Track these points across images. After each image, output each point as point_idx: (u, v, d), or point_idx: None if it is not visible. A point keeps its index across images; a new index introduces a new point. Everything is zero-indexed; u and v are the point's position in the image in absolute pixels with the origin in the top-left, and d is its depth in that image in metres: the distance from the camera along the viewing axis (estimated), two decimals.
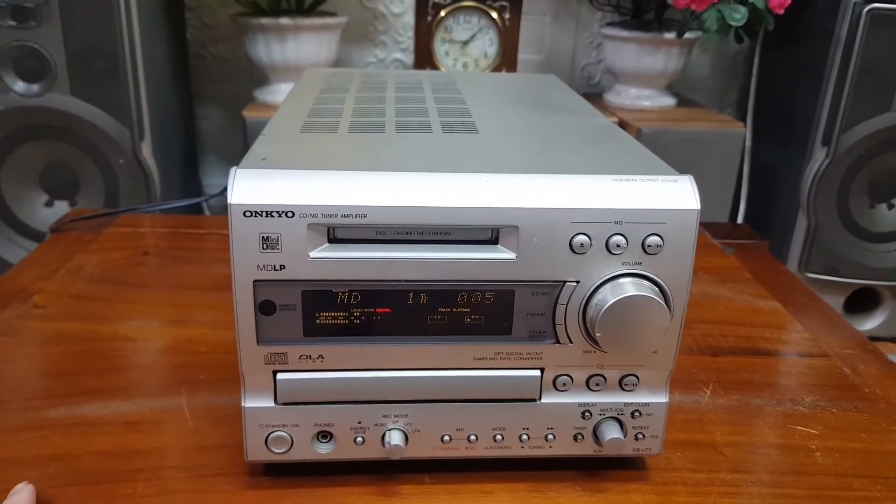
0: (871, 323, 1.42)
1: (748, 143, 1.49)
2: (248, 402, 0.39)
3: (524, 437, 0.41)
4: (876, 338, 1.41)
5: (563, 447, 0.41)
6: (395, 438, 0.40)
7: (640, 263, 0.37)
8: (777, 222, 1.41)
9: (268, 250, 0.35)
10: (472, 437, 0.41)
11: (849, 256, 1.33)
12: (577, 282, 0.37)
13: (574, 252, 0.36)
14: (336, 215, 0.35)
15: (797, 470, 0.44)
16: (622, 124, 1.30)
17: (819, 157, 1.29)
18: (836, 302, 1.38)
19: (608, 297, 0.37)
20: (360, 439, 0.40)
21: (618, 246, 0.36)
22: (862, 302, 1.41)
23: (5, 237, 1.20)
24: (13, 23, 1.06)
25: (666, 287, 0.37)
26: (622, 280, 0.37)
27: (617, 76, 1.41)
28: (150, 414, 0.48)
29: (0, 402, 0.49)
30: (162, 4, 1.26)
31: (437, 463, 0.42)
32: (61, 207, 1.19)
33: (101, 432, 0.46)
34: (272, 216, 0.35)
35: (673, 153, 1.27)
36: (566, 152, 0.43)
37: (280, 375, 0.38)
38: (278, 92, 1.30)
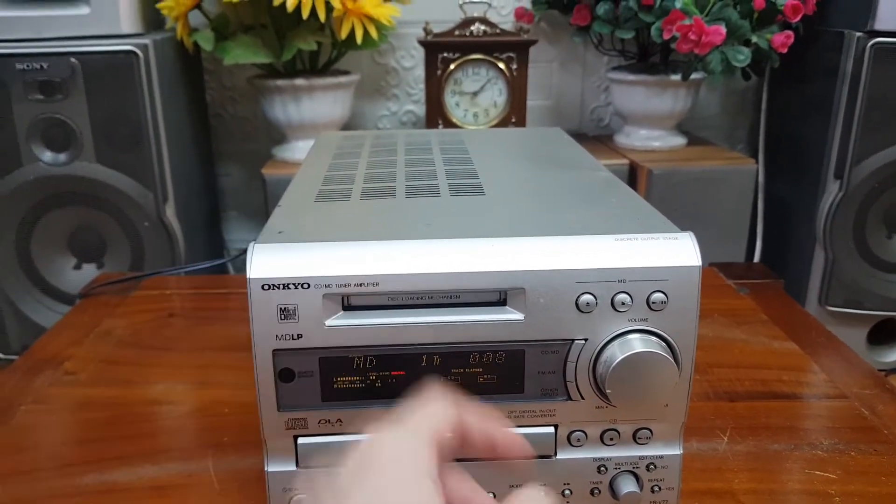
0: (895, 355, 1.40)
1: (761, 179, 1.49)
2: (271, 467, 0.40)
3: None
4: None
5: (580, 502, 0.42)
6: None
7: (646, 320, 0.38)
8: (794, 257, 1.41)
9: (286, 321, 0.37)
10: (491, 495, 0.41)
11: (869, 288, 1.32)
12: (586, 339, 0.38)
13: (581, 311, 0.38)
14: (349, 284, 0.37)
15: None
16: (633, 166, 1.32)
17: (832, 191, 1.30)
18: (859, 335, 1.36)
19: (616, 353, 0.37)
20: None
21: (623, 304, 0.37)
22: (885, 334, 1.39)
23: (36, 300, 1.23)
24: (41, 96, 1.11)
25: (673, 341, 0.38)
26: (629, 336, 0.38)
27: (626, 118, 1.43)
28: (178, 478, 0.49)
29: (34, 471, 0.50)
30: (182, 71, 1.31)
31: None
32: (89, 270, 1.23)
33: (132, 498, 0.47)
34: (289, 288, 0.36)
35: (685, 193, 1.28)
36: (570, 212, 0.44)
37: (301, 440, 0.40)
38: (296, 149, 1.33)
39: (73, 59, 1.10)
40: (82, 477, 0.49)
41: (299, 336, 0.37)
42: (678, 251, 0.38)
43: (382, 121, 1.59)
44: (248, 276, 0.36)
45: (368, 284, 0.37)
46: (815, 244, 1.34)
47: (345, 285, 0.37)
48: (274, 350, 0.37)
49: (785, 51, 1.23)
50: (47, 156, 1.15)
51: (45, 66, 1.09)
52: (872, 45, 1.21)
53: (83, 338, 0.70)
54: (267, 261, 0.37)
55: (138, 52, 1.11)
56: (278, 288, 0.36)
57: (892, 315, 1.35)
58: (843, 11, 1.29)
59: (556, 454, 0.41)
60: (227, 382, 0.62)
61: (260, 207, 1.42)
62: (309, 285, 0.36)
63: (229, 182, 1.62)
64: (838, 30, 1.28)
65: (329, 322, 0.37)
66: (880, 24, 1.21)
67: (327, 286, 0.36)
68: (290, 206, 0.46)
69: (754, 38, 1.23)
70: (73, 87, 1.11)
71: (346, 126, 1.41)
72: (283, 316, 0.37)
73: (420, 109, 1.57)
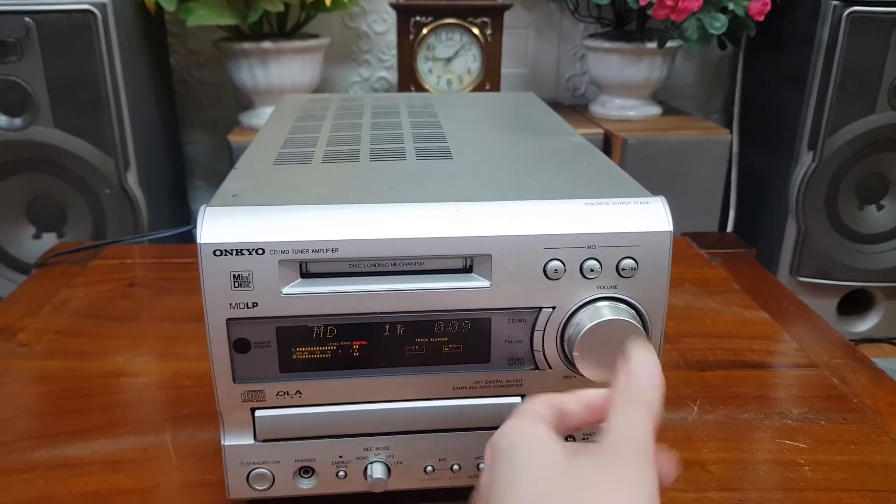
0: (865, 325, 1.41)
1: (735, 149, 1.49)
2: (228, 440, 0.39)
3: None
4: (870, 339, 1.40)
5: None
6: (378, 471, 0.39)
7: (615, 287, 0.37)
8: (767, 228, 1.41)
9: (240, 288, 0.35)
10: (455, 467, 0.40)
11: (840, 259, 1.33)
12: (553, 307, 0.37)
13: (548, 278, 0.36)
14: (307, 250, 0.35)
15: (785, 486, 0.44)
16: (608, 135, 1.31)
17: (806, 162, 1.30)
18: (830, 305, 1.38)
19: (584, 321, 0.36)
20: (342, 473, 0.40)
21: (592, 270, 0.36)
22: (855, 304, 1.41)
23: None
24: None
25: (642, 309, 0.37)
26: (598, 304, 0.37)
27: (601, 87, 1.42)
28: (134, 453, 0.47)
29: None
30: (143, 32, 1.26)
31: (420, 494, 0.41)
32: (49, 239, 1.19)
33: (85, 473, 0.45)
34: (242, 254, 0.34)
35: (659, 163, 1.27)
36: (539, 176, 0.43)
37: (258, 413, 0.38)
38: (263, 116, 1.30)
39: (27, 19, 1.05)
40: (34, 452, 0.47)
41: (254, 304, 0.35)
42: (649, 216, 0.36)
43: (354, 87, 1.56)
44: (198, 242, 0.34)
45: (327, 250, 0.35)
46: (787, 215, 1.34)
47: (302, 251, 0.35)
48: (228, 319, 0.35)
49: (762, 18, 1.22)
50: (2, 120, 1.10)
51: None
52: (848, 13, 1.20)
53: (38, 308, 0.67)
54: (219, 225, 0.35)
55: (96, 11, 1.06)
56: (231, 254, 0.34)
57: (862, 285, 1.36)
58: None
59: None
60: (188, 354, 0.60)
61: None
62: (264, 251, 0.34)
63: (196, 150, 1.57)
64: None
65: (286, 290, 0.35)
66: None
67: (284, 252, 0.35)
68: (247, 169, 0.44)
69: (731, 5, 1.21)
70: (27, 47, 1.06)
71: (316, 92, 1.37)
72: (236, 283, 0.35)
73: (392, 76, 1.54)
